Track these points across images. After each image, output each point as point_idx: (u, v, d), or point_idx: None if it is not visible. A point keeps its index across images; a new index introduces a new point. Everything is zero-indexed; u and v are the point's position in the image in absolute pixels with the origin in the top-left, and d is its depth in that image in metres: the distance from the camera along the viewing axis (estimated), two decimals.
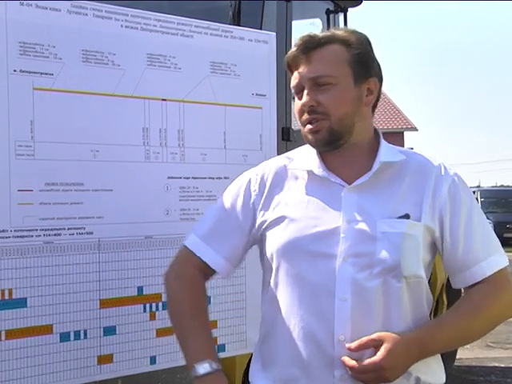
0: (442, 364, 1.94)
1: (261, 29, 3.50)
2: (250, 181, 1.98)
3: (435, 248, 1.88)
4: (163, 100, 2.56)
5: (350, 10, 4.67)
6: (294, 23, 3.98)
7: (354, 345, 1.73)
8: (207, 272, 1.97)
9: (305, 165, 1.91)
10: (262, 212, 1.92)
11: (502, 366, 6.64)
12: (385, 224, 1.79)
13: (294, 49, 1.86)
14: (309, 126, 1.84)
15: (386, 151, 1.88)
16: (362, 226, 1.80)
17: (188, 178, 2.62)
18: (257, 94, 2.80)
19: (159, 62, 2.55)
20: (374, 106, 1.93)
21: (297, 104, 1.88)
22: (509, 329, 8.07)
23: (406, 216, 1.80)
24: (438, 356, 1.90)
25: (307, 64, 1.83)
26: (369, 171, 1.84)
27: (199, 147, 2.65)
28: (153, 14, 2.54)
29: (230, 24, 3.38)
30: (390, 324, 1.78)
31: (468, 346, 7.27)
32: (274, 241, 1.87)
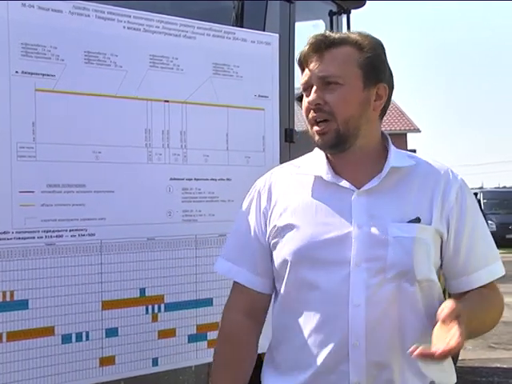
0: (453, 363, 1.93)
1: (264, 30, 3.49)
2: (259, 193, 1.97)
3: (441, 253, 1.87)
4: (166, 101, 2.55)
5: (353, 11, 4.66)
6: (297, 25, 3.97)
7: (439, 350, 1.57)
8: (253, 299, 1.96)
9: (313, 170, 1.90)
10: (271, 220, 1.91)
11: (505, 366, 6.63)
12: (396, 228, 1.78)
13: (306, 46, 1.85)
14: (316, 128, 1.83)
15: (395, 156, 1.87)
16: (374, 230, 1.79)
17: (190, 179, 2.62)
18: (259, 96, 2.80)
19: (162, 63, 2.54)
20: (383, 113, 1.92)
21: (304, 102, 1.87)
22: (511, 330, 8.06)
23: (417, 220, 1.80)
24: (449, 358, 1.88)
25: (318, 62, 1.82)
26: (377, 176, 1.83)
27: (202, 148, 2.65)
28: (155, 15, 2.54)
29: (233, 25, 3.37)
30: (405, 328, 1.78)
31: (470, 346, 7.27)
32: (284, 248, 1.86)
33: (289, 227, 1.86)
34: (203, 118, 2.65)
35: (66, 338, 2.32)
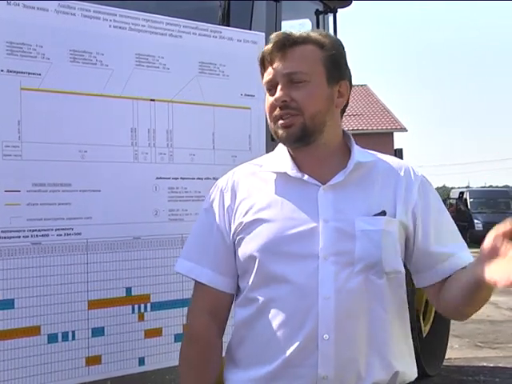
0: (414, 357, 1.95)
1: (250, 29, 3.49)
2: (222, 192, 1.96)
3: (407, 246, 1.91)
4: (152, 100, 2.55)
5: (339, 10, 4.68)
6: (284, 24, 3.98)
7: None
8: (217, 299, 1.93)
9: (277, 167, 1.91)
10: (236, 218, 1.90)
11: (491, 365, 6.65)
12: (363, 222, 1.81)
13: (269, 45, 1.87)
14: (280, 121, 1.84)
15: (358, 152, 1.91)
16: (340, 224, 1.81)
17: (177, 178, 2.62)
18: (245, 95, 2.80)
19: (148, 62, 2.54)
20: (343, 111, 1.95)
21: (268, 100, 1.88)
22: (497, 328, 8.11)
23: (383, 213, 1.83)
24: (412, 350, 1.94)
25: (282, 60, 1.84)
26: (342, 171, 1.85)
27: (188, 147, 2.64)
28: (141, 14, 2.54)
29: (220, 24, 3.37)
30: (373, 320, 1.81)
31: (457, 345, 7.30)
32: (251, 243, 1.85)
33: (256, 223, 1.85)
34: (189, 117, 2.64)
35: (52, 338, 2.31)
